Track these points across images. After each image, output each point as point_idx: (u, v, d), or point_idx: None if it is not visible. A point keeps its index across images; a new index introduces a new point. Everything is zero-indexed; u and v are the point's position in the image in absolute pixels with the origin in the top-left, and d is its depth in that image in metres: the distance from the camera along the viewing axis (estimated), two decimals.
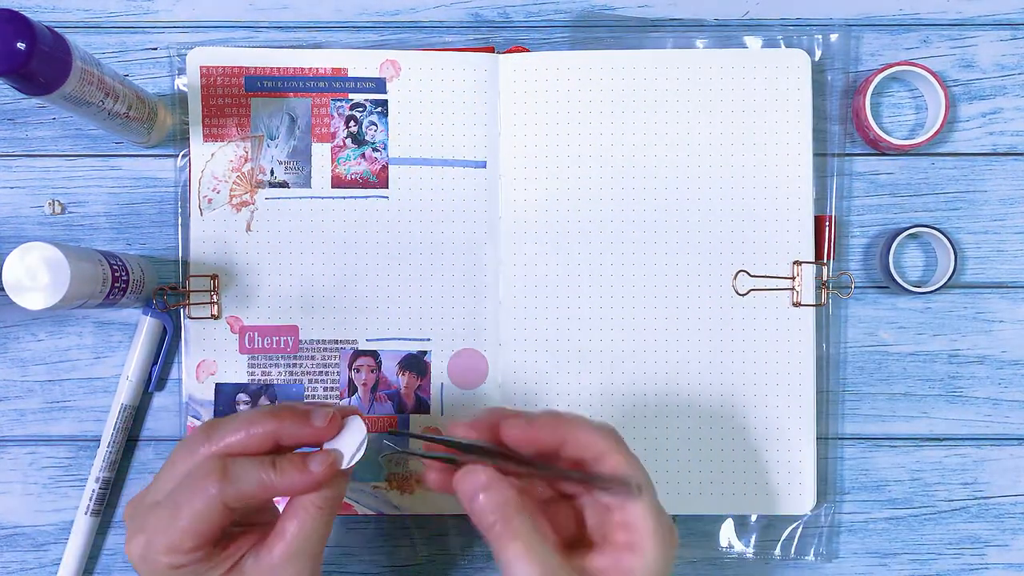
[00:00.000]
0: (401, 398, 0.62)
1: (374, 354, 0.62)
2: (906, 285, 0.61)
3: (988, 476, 0.63)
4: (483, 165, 0.62)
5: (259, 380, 0.62)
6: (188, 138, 0.62)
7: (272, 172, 0.62)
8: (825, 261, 0.62)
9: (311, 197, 0.62)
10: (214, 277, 0.61)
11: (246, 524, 0.49)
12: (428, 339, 0.62)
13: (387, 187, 0.62)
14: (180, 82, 0.63)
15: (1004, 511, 0.63)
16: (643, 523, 0.46)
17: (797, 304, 0.61)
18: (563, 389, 0.61)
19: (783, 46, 0.62)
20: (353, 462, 0.47)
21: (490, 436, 0.48)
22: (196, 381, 0.62)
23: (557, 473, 0.48)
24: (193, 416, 0.61)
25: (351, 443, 0.47)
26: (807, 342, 0.61)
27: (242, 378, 0.62)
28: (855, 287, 0.63)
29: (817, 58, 0.63)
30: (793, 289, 0.61)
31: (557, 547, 0.46)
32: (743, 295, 0.61)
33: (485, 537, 0.45)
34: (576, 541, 0.49)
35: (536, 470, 0.47)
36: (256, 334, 0.62)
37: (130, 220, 0.64)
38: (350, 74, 0.62)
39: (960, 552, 0.63)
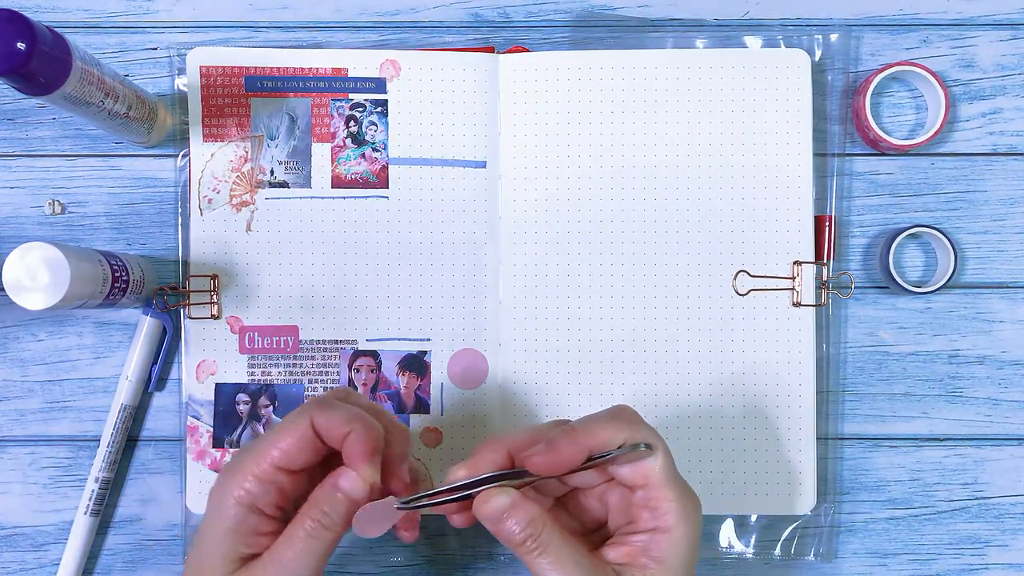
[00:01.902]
0: (401, 398, 0.62)
1: (374, 354, 0.62)
2: (906, 285, 0.61)
3: (988, 476, 0.63)
4: (483, 165, 0.62)
5: (259, 380, 0.62)
6: (188, 138, 0.62)
7: (272, 172, 0.62)
8: (825, 261, 0.62)
9: (311, 197, 0.62)
10: (214, 277, 0.61)
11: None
12: (428, 339, 0.62)
13: (387, 187, 0.62)
14: (180, 82, 0.63)
15: (1004, 511, 0.63)
16: (663, 497, 0.46)
17: (797, 304, 0.61)
18: (563, 389, 0.61)
19: (783, 46, 0.62)
20: (365, 531, 0.47)
21: (493, 465, 0.47)
22: (196, 381, 0.62)
23: (572, 470, 0.47)
24: (193, 416, 0.61)
25: (380, 517, 0.47)
26: (807, 342, 0.61)
27: (242, 378, 0.62)
28: (855, 287, 0.63)
29: (817, 58, 0.63)
30: (793, 289, 0.61)
31: (587, 549, 0.46)
32: (743, 295, 0.61)
33: (516, 553, 0.45)
34: (603, 529, 0.49)
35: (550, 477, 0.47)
36: (256, 334, 0.62)
37: (130, 220, 0.64)
38: (350, 74, 0.62)
39: (960, 552, 0.63)
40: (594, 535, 0.50)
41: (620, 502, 0.49)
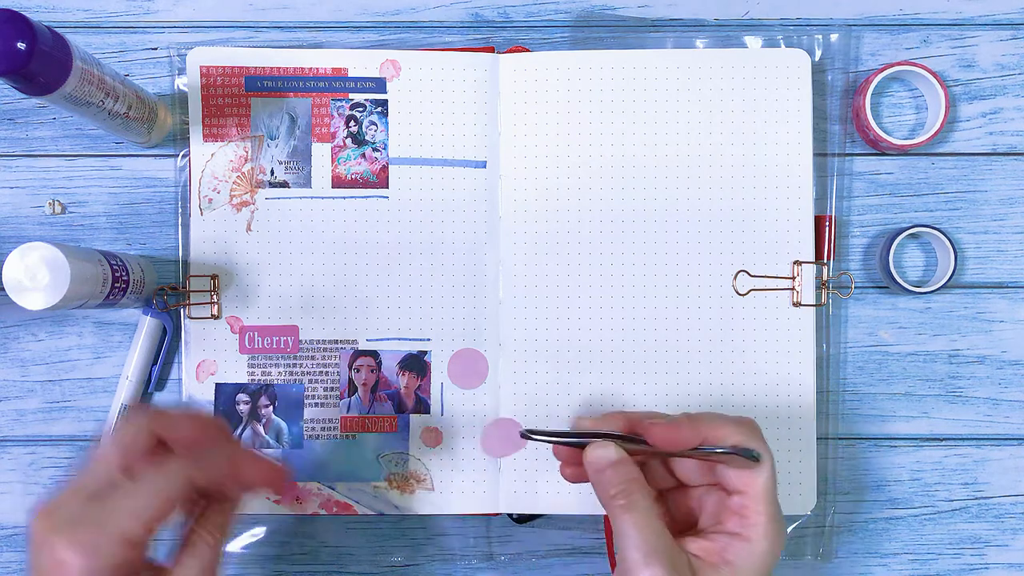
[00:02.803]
0: (401, 398, 0.62)
1: (374, 354, 0.62)
2: (906, 285, 0.61)
3: (988, 476, 0.63)
4: (483, 165, 0.62)
5: (259, 380, 0.62)
6: (188, 138, 0.62)
7: (272, 172, 0.62)
8: (825, 261, 0.62)
9: (311, 197, 0.62)
10: (214, 277, 0.61)
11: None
12: (428, 339, 0.62)
13: (387, 187, 0.62)
14: (180, 82, 0.63)
15: (1004, 511, 0.63)
16: (756, 510, 0.47)
17: (797, 304, 0.61)
18: (563, 389, 0.61)
19: (783, 46, 0.62)
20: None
21: (616, 427, 0.50)
22: (196, 381, 0.62)
23: (680, 453, 0.49)
24: None
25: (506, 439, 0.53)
26: (807, 342, 0.61)
27: (242, 378, 0.62)
28: (855, 287, 0.63)
29: (817, 58, 0.63)
30: (793, 289, 0.61)
31: (669, 527, 0.48)
32: (743, 295, 0.61)
33: (605, 506, 0.47)
34: (691, 529, 0.51)
35: (660, 451, 0.49)
36: (256, 334, 0.62)
37: (130, 220, 0.64)
38: (350, 74, 0.62)
39: (960, 552, 0.63)
40: (683, 530, 0.51)
41: (715, 507, 0.50)
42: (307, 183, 0.62)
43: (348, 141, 0.62)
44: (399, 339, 0.62)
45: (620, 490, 0.47)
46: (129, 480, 0.44)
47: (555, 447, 0.51)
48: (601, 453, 0.48)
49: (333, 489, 0.61)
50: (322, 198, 0.62)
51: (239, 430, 0.61)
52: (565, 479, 0.51)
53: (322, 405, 0.62)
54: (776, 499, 0.49)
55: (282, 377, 0.62)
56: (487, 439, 0.54)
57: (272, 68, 0.62)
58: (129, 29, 0.64)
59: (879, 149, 0.63)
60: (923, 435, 0.64)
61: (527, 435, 0.50)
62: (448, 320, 0.62)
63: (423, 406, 0.62)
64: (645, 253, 0.62)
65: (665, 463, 0.51)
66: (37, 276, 0.51)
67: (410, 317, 0.62)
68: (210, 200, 0.62)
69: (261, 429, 0.61)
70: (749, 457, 0.48)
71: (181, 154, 0.63)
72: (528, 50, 0.62)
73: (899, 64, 0.62)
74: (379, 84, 0.62)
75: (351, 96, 0.62)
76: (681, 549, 0.47)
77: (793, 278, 0.61)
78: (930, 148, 0.64)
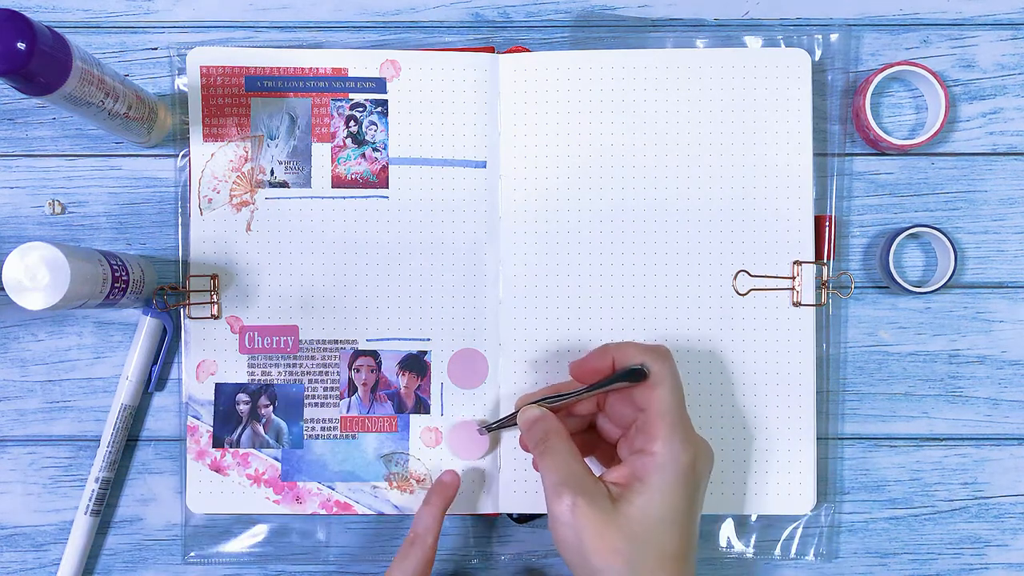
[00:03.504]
0: (401, 398, 0.62)
1: (374, 354, 0.62)
2: (906, 285, 0.61)
3: (988, 476, 0.63)
4: (483, 165, 0.62)
5: (259, 380, 0.62)
6: (188, 138, 0.62)
7: (272, 172, 0.62)
8: (825, 261, 0.62)
9: (311, 197, 0.62)
10: (214, 277, 0.61)
11: None
12: (428, 339, 0.62)
13: (387, 187, 0.62)
14: (180, 82, 0.63)
15: (1004, 511, 0.63)
16: (656, 424, 0.51)
17: (797, 304, 0.61)
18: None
19: (783, 46, 0.62)
20: None
21: (550, 390, 0.59)
22: (196, 381, 0.62)
23: (590, 390, 0.55)
24: (193, 416, 0.61)
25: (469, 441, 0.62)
26: (807, 342, 0.61)
27: (242, 378, 0.62)
28: (855, 287, 0.63)
29: (817, 58, 0.63)
30: (793, 289, 0.61)
31: (585, 465, 0.53)
32: (743, 295, 0.61)
33: (534, 457, 0.54)
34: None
35: (577, 396, 0.55)
36: (256, 334, 0.62)
37: (130, 220, 0.64)
38: (350, 74, 0.62)
39: (960, 552, 0.63)
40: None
41: (628, 444, 0.54)
42: (307, 183, 0.62)
43: (348, 141, 0.62)
44: (399, 339, 0.62)
45: (540, 438, 0.54)
46: None
47: (520, 439, 0.58)
48: (527, 413, 0.55)
49: (333, 489, 0.61)
50: (322, 198, 0.62)
51: (239, 430, 0.61)
52: (523, 449, 0.59)
53: (322, 405, 0.62)
54: (679, 413, 0.52)
55: (282, 377, 0.62)
56: (453, 445, 0.61)
57: (272, 68, 0.62)
58: (129, 29, 0.64)
59: (879, 149, 0.63)
60: (923, 435, 0.64)
61: (484, 429, 0.60)
62: (448, 320, 0.62)
63: (423, 406, 0.62)
64: (645, 253, 0.62)
65: (596, 430, 0.58)
66: (37, 276, 0.51)
67: (410, 317, 0.62)
68: (210, 200, 0.62)
69: (261, 429, 0.61)
70: (637, 374, 0.52)
71: (181, 154, 0.63)
72: (528, 50, 0.62)
73: (899, 64, 0.62)
74: (379, 84, 0.62)
75: (351, 96, 0.62)
76: (598, 480, 0.51)
77: (793, 278, 0.61)
78: (930, 148, 0.64)
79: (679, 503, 0.50)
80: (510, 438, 0.61)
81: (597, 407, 0.57)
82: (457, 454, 0.61)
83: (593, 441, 0.58)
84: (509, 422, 0.59)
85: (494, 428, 0.60)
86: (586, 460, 0.54)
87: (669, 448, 0.51)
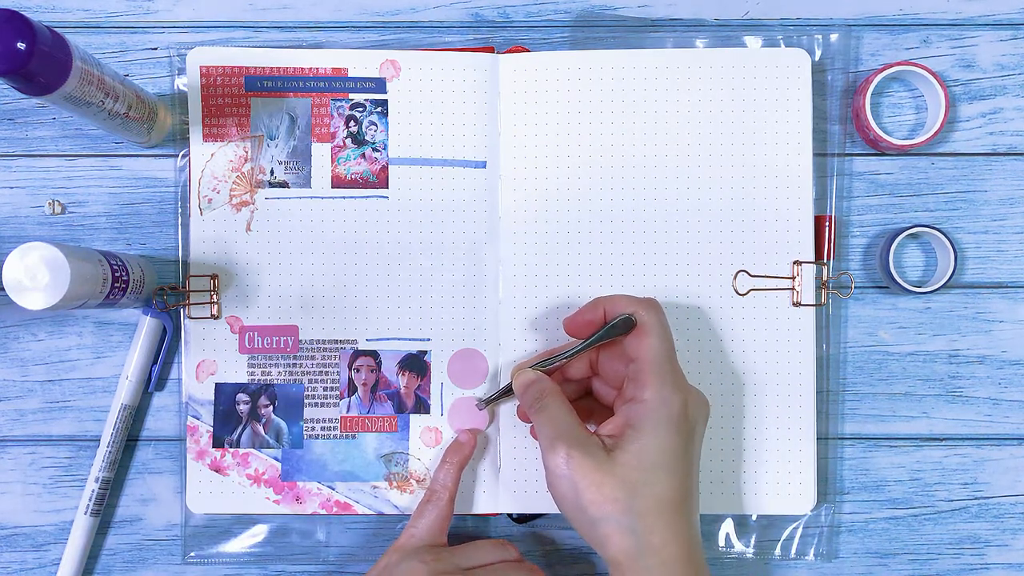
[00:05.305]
0: (401, 398, 0.62)
1: (374, 354, 0.62)
2: (906, 285, 0.61)
3: (988, 476, 0.63)
4: (483, 165, 0.62)
5: (259, 380, 0.62)
6: (188, 138, 0.62)
7: (272, 172, 0.62)
8: (825, 261, 0.62)
9: (311, 197, 0.62)
10: (214, 277, 0.61)
11: None
12: (428, 339, 0.62)
13: (387, 187, 0.62)
14: (180, 82, 0.63)
15: (1004, 511, 0.63)
16: (645, 371, 0.52)
17: (797, 304, 0.61)
18: None
19: (783, 46, 0.62)
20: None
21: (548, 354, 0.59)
22: (196, 381, 0.62)
23: (582, 347, 0.56)
24: (193, 416, 0.61)
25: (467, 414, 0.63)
26: (807, 342, 0.61)
27: (242, 378, 0.62)
28: (855, 287, 0.63)
29: (817, 58, 0.63)
30: (793, 289, 0.61)
31: (579, 420, 0.54)
32: (743, 295, 0.61)
33: (531, 419, 0.55)
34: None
35: (571, 354, 0.56)
36: (256, 334, 0.62)
37: (130, 220, 0.64)
38: (350, 74, 0.62)
39: (960, 552, 0.63)
40: None
41: (621, 402, 0.55)
42: (307, 183, 0.62)
43: (348, 141, 0.62)
44: (399, 339, 0.62)
45: (535, 398, 0.55)
46: None
47: (518, 410, 0.59)
48: (522, 377, 0.57)
49: (333, 489, 0.61)
50: (322, 198, 0.62)
51: (239, 430, 0.61)
52: (521, 419, 0.60)
53: (322, 405, 0.62)
54: (669, 360, 0.53)
55: (282, 377, 0.62)
56: (453, 421, 0.62)
57: (272, 68, 0.62)
58: (129, 29, 0.64)
59: (879, 149, 0.63)
60: (923, 435, 0.64)
61: (483, 404, 0.61)
62: (448, 320, 0.62)
63: (423, 406, 0.62)
64: (645, 253, 0.62)
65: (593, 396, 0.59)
66: (37, 276, 0.51)
67: (410, 317, 0.62)
68: (210, 200, 0.62)
69: (261, 429, 0.61)
70: (627, 323, 0.53)
71: (181, 154, 0.63)
72: (528, 50, 0.62)
73: (899, 64, 0.62)
74: (379, 84, 0.62)
75: (351, 96, 0.62)
76: (591, 434, 0.52)
77: (793, 278, 0.61)
78: (930, 148, 0.64)
79: (673, 447, 0.51)
80: (510, 438, 0.61)
81: (591, 369, 0.58)
82: (455, 426, 0.62)
83: (590, 407, 0.59)
84: (506, 394, 0.59)
85: (492, 401, 0.60)
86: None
87: (659, 394, 0.51)
